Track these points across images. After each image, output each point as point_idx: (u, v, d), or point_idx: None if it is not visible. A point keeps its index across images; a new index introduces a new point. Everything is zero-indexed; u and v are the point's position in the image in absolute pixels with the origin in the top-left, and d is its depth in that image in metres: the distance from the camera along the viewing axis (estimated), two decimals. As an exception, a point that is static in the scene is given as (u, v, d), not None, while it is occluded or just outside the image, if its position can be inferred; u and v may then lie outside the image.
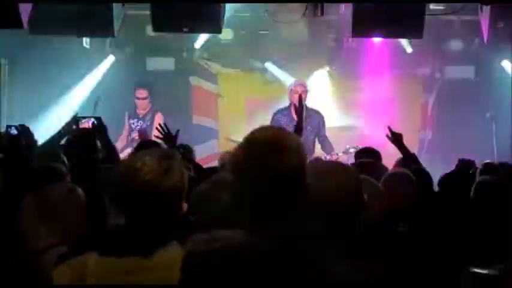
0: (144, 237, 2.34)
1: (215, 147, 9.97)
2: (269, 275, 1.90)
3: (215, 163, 7.06)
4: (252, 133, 2.06)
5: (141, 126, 8.97)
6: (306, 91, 8.23)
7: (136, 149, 5.39)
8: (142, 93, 9.21)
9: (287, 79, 9.56)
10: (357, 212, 2.62)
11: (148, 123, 9.04)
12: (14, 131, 5.25)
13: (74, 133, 5.50)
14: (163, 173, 2.36)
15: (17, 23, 7.16)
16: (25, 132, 5.25)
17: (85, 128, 5.58)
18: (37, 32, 7.79)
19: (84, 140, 4.83)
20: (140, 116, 9.15)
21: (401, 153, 5.48)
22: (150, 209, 2.35)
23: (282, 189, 1.97)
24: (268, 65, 10.06)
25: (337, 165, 2.78)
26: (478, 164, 5.66)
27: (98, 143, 5.12)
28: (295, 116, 8.10)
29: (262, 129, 2.08)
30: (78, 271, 2.36)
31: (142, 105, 9.18)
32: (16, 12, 7.05)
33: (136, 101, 9.20)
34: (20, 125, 5.41)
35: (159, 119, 8.88)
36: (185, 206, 2.45)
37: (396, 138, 5.55)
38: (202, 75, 10.31)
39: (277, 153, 1.98)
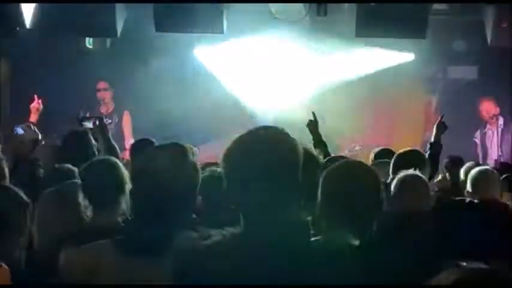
0: (159, 234, 2.36)
1: (219, 148, 9.95)
2: (260, 272, 1.89)
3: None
4: (248, 130, 2.09)
5: (109, 124, 8.61)
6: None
7: (133, 149, 5.40)
8: (102, 84, 8.87)
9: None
10: (375, 211, 2.63)
11: (116, 120, 8.72)
12: (20, 131, 5.29)
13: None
14: (177, 171, 2.39)
15: (20, 23, 7.18)
16: (31, 131, 5.29)
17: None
18: (39, 32, 7.80)
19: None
20: (106, 113, 8.71)
21: (435, 138, 5.79)
22: (166, 206, 2.39)
23: (274, 183, 1.97)
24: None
25: (356, 164, 2.79)
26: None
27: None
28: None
29: (259, 127, 2.10)
30: (93, 259, 2.40)
31: (103, 97, 8.80)
32: (19, 13, 7.07)
33: (97, 93, 8.84)
34: (27, 125, 5.44)
35: (127, 117, 8.74)
36: (199, 199, 2.46)
37: (442, 129, 5.82)
38: (205, 75, 10.30)
39: (270, 147, 1.99)
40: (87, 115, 6.55)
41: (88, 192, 3.00)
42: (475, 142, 8.86)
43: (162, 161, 2.40)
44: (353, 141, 8.72)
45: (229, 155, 2.03)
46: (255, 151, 1.99)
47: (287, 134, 2.07)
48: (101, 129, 5.54)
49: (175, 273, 2.02)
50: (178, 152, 2.46)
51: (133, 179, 2.48)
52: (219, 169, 3.04)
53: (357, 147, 8.42)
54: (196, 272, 1.95)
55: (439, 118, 5.88)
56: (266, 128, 2.08)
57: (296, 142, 2.05)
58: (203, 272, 1.93)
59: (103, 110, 8.75)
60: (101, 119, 5.78)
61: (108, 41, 9.50)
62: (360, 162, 2.86)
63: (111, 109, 8.80)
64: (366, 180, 2.66)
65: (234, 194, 2.00)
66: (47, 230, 3.10)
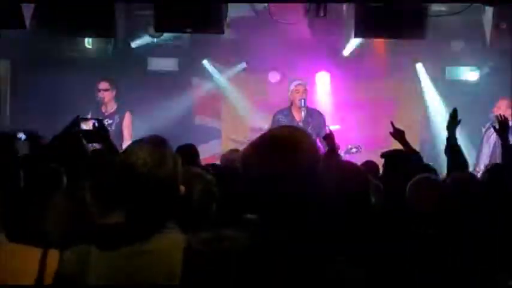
0: (141, 224, 2.36)
1: (218, 147, 9.99)
2: (271, 280, 1.89)
3: (218, 163, 7.05)
4: (268, 131, 2.07)
5: (109, 125, 8.39)
6: (306, 91, 8.26)
7: None
8: (104, 84, 8.70)
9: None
10: (362, 212, 2.63)
11: (118, 121, 8.64)
12: (22, 136, 5.31)
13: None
14: (157, 163, 2.38)
15: (19, 24, 7.17)
16: (33, 137, 5.30)
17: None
18: (39, 32, 7.80)
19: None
20: (106, 113, 8.65)
21: (404, 149, 5.55)
22: (148, 199, 2.38)
23: (290, 189, 1.94)
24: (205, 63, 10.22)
25: (345, 165, 2.80)
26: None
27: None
28: (296, 116, 8.13)
29: (278, 128, 2.08)
30: (82, 258, 2.40)
31: (104, 97, 8.66)
32: (19, 13, 7.07)
33: (98, 93, 8.68)
34: (29, 131, 5.45)
35: (128, 118, 8.73)
36: (182, 188, 2.46)
37: (399, 134, 5.65)
38: (206, 76, 10.34)
39: (288, 151, 1.96)
40: (89, 116, 6.54)
41: (99, 191, 2.99)
42: (482, 138, 8.82)
43: (142, 155, 2.38)
44: (348, 143, 8.73)
45: (250, 154, 1.99)
46: (278, 150, 1.95)
47: (309, 135, 2.05)
48: (100, 131, 5.53)
49: (184, 273, 2.01)
50: (156, 143, 2.45)
51: (113, 173, 2.46)
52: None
53: (353, 149, 8.42)
54: (204, 274, 1.93)
55: (392, 127, 5.84)
56: (288, 128, 2.07)
57: (315, 142, 2.04)
58: (209, 275, 1.92)
59: (103, 109, 8.74)
60: (100, 121, 5.76)
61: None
62: (348, 164, 2.87)
63: (112, 109, 8.77)
64: (353, 181, 2.66)
65: (254, 194, 1.97)
66: (58, 228, 3.12)
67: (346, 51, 9.65)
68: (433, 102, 10.23)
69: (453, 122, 5.42)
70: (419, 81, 10.27)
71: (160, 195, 2.38)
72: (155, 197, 2.37)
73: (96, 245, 2.37)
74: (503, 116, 5.90)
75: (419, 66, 10.09)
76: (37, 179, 3.78)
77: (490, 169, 4.74)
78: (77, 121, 5.79)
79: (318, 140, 8.30)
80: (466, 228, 3.67)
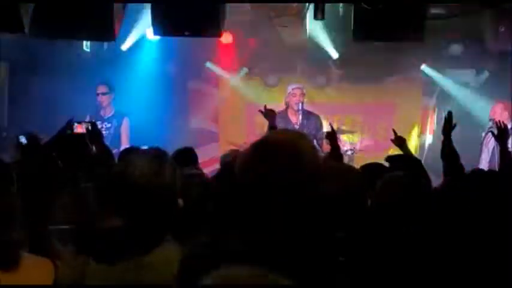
0: (139, 238, 2.34)
1: (216, 150, 9.99)
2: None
3: (216, 166, 7.06)
4: (266, 135, 2.03)
5: (107, 128, 8.47)
6: (303, 94, 8.26)
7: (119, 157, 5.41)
8: (102, 88, 8.70)
9: None
10: (358, 212, 2.63)
11: (116, 124, 8.65)
12: (23, 139, 5.33)
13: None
14: (154, 175, 2.37)
15: (18, 27, 7.16)
16: (33, 140, 5.32)
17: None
18: (37, 35, 7.79)
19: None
20: (105, 117, 8.65)
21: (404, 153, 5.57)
22: (145, 211, 2.36)
23: (291, 196, 1.89)
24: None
25: (341, 166, 2.80)
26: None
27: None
28: (292, 119, 8.13)
29: (277, 132, 2.05)
30: (79, 272, 2.38)
31: (103, 101, 8.66)
32: (17, 16, 7.05)
33: (97, 97, 8.69)
34: (29, 134, 5.47)
35: (126, 123, 8.66)
36: (181, 202, 2.44)
37: (400, 142, 5.67)
38: (202, 79, 10.35)
39: (289, 157, 1.90)
40: (87, 119, 6.52)
41: (100, 194, 3.00)
42: (481, 143, 8.81)
43: (140, 166, 2.36)
44: (346, 144, 8.75)
45: (248, 158, 1.95)
46: (276, 154, 1.90)
47: (308, 138, 2.02)
48: (94, 135, 5.53)
49: (181, 280, 1.99)
50: (156, 156, 2.43)
51: (112, 184, 2.44)
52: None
53: (349, 152, 8.43)
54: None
55: (394, 135, 5.86)
56: (286, 132, 2.05)
57: (314, 146, 2.02)
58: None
59: (102, 113, 8.74)
60: (93, 124, 5.76)
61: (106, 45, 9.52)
62: (344, 166, 2.87)
63: (110, 113, 8.76)
64: (349, 183, 2.66)
65: (251, 200, 1.91)
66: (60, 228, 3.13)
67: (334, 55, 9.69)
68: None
69: (448, 125, 5.42)
70: (419, 83, 10.29)
71: (158, 208, 2.36)
72: (153, 210, 2.35)
73: (93, 258, 2.35)
74: (503, 122, 5.89)
75: (424, 67, 10.09)
76: (47, 179, 3.76)
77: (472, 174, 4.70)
78: (71, 124, 5.80)
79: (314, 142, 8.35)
80: (454, 228, 3.66)
